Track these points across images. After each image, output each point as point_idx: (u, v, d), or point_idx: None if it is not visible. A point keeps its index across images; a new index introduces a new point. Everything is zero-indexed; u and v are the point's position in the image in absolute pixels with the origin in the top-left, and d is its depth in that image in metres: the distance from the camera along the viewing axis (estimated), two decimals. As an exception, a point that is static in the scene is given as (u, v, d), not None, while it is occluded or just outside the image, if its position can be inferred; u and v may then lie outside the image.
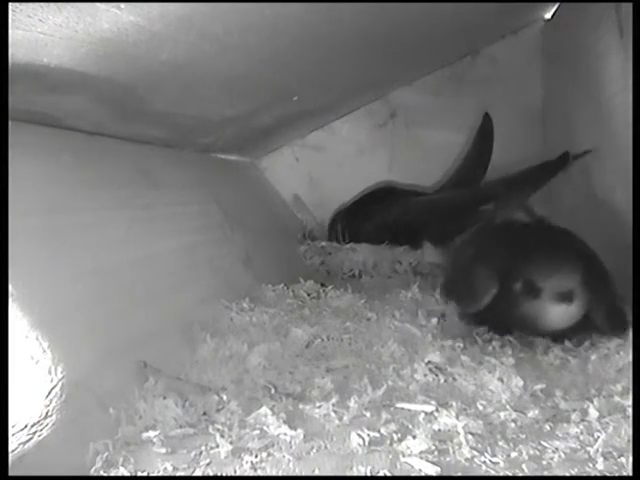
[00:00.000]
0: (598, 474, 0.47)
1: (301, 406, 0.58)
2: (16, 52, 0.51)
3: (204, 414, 0.56)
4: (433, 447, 0.50)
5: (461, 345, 0.74)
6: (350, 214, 1.39)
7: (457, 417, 0.54)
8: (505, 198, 1.25)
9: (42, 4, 0.47)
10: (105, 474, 0.47)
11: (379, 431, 0.53)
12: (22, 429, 0.45)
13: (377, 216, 1.33)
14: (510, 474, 0.47)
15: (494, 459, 0.49)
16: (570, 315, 0.69)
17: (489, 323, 0.76)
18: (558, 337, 0.73)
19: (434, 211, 1.32)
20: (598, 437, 0.51)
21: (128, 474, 0.47)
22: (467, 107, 1.40)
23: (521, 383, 0.62)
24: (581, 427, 0.53)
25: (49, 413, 0.47)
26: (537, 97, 1.40)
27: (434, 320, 0.82)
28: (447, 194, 1.36)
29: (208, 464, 0.49)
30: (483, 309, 0.74)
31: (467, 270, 0.82)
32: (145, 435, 0.52)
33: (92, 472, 0.47)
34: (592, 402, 0.57)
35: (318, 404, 0.58)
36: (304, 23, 0.76)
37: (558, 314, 0.69)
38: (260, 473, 0.47)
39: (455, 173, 1.42)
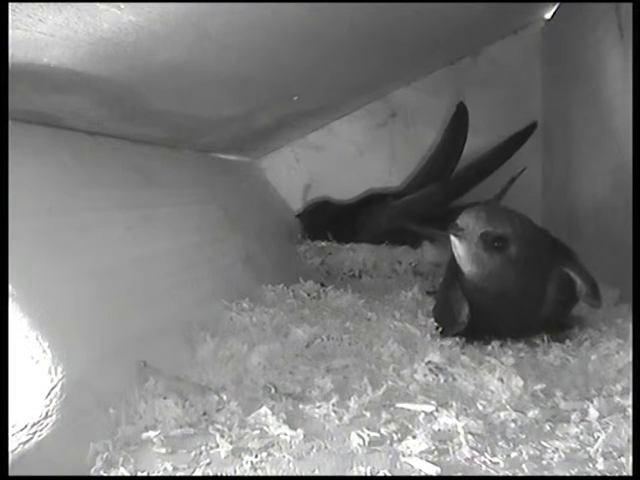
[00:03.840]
0: (598, 474, 0.46)
1: (301, 406, 0.58)
2: (16, 52, 0.51)
3: (204, 414, 0.56)
4: (433, 447, 0.50)
5: (461, 345, 0.74)
6: (338, 223, 1.39)
7: (457, 417, 0.54)
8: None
9: (42, 4, 0.47)
10: (105, 474, 0.47)
11: (379, 431, 0.53)
12: (22, 429, 0.45)
13: (366, 225, 1.34)
14: (510, 474, 0.47)
15: (494, 459, 0.49)
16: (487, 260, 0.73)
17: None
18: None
19: (412, 213, 1.32)
20: (598, 437, 0.51)
21: (128, 474, 0.47)
22: (467, 107, 1.40)
23: (521, 383, 0.61)
24: (581, 427, 0.53)
25: (49, 413, 0.47)
26: (537, 97, 1.40)
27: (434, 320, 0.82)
28: (421, 192, 1.36)
29: (208, 464, 0.49)
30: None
31: (443, 295, 0.83)
32: (145, 435, 0.52)
33: (92, 472, 0.47)
34: (592, 402, 0.57)
35: (318, 404, 0.58)
36: (304, 23, 0.76)
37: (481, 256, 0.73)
38: (260, 473, 0.47)
39: (423, 168, 1.42)
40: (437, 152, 1.41)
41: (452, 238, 0.74)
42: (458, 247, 0.74)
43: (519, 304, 0.75)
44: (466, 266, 0.74)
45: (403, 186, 1.43)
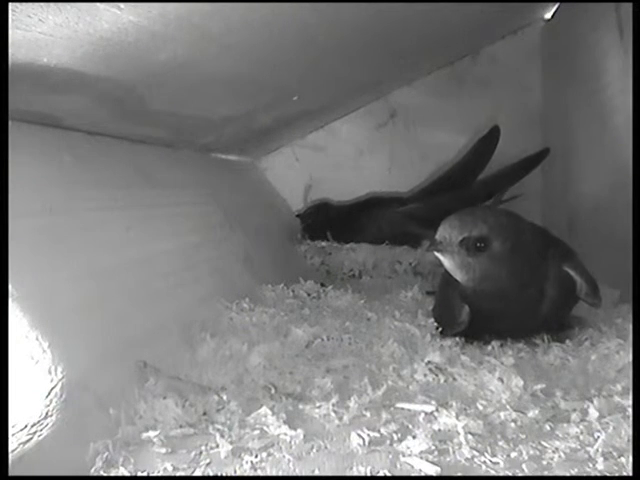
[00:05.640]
0: (598, 474, 0.46)
1: (301, 406, 0.58)
2: (16, 52, 0.51)
3: (204, 414, 0.56)
4: (433, 447, 0.50)
5: (461, 345, 0.74)
6: (338, 224, 1.38)
7: (457, 417, 0.54)
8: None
9: (42, 4, 0.47)
10: (105, 474, 0.47)
11: (379, 431, 0.53)
12: (22, 429, 0.45)
13: (367, 229, 1.34)
14: (510, 474, 0.47)
15: (494, 459, 0.49)
16: (467, 262, 0.73)
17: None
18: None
19: (417, 218, 1.32)
20: (598, 437, 0.51)
21: (128, 474, 0.47)
22: (467, 107, 1.40)
23: (521, 383, 0.61)
24: (581, 427, 0.53)
25: (49, 413, 0.47)
26: (537, 97, 1.40)
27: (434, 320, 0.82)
28: (430, 201, 1.36)
29: (208, 464, 0.49)
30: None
31: (443, 295, 0.83)
32: (145, 435, 0.52)
33: (92, 472, 0.47)
34: (592, 402, 0.57)
35: (318, 404, 0.58)
36: (304, 23, 0.76)
37: (458, 260, 0.73)
38: (260, 473, 0.47)
39: (436, 181, 1.42)
40: (456, 168, 1.40)
41: (436, 254, 0.75)
42: (444, 261, 0.75)
43: (518, 303, 0.75)
44: (457, 275, 0.75)
45: (410, 193, 1.42)
